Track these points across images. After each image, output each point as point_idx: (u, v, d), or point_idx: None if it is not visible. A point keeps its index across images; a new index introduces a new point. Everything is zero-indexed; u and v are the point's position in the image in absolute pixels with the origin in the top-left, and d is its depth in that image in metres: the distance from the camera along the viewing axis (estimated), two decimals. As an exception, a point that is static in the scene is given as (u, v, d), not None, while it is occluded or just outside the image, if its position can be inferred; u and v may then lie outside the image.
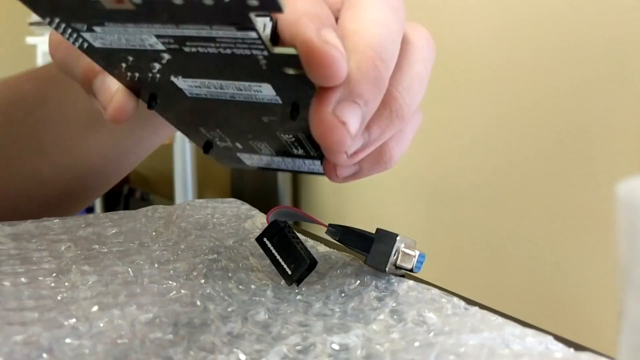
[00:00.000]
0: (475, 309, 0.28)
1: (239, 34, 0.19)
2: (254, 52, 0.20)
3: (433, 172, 1.09)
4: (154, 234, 0.39)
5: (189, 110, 0.26)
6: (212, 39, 0.20)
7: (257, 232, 0.34)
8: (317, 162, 0.29)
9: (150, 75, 0.23)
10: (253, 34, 0.19)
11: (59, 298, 0.29)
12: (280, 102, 0.24)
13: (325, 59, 0.20)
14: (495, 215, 0.97)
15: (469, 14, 0.98)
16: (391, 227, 0.32)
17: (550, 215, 0.89)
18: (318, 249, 0.37)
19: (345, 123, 0.22)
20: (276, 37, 0.21)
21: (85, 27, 0.20)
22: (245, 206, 0.46)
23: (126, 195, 1.72)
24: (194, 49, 0.20)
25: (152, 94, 0.25)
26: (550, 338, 0.26)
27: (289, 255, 0.30)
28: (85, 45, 0.22)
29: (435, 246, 1.07)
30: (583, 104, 0.84)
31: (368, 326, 0.27)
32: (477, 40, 0.97)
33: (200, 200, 0.47)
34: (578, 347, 0.25)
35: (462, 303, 0.29)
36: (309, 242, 0.38)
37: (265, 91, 0.23)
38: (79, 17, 0.20)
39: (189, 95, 0.24)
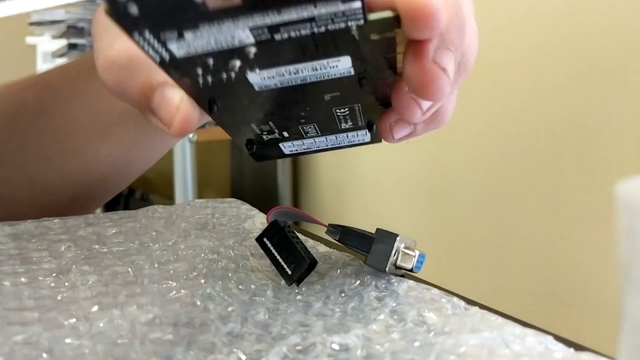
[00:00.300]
0: (475, 309, 0.28)
1: (342, 7, 0.19)
2: (350, 23, 0.20)
3: (433, 172, 1.09)
4: (154, 234, 0.39)
5: (248, 107, 0.25)
6: (310, 20, 0.19)
7: (257, 232, 0.34)
8: (362, 132, 0.30)
9: (225, 75, 0.22)
10: (357, 4, 0.19)
11: (59, 298, 0.29)
12: (352, 73, 0.23)
13: (430, 10, 0.21)
14: (495, 215, 0.97)
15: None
16: (391, 227, 0.32)
17: (550, 215, 0.89)
18: (318, 249, 0.37)
19: (446, 69, 0.23)
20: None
21: (175, 35, 0.19)
22: (245, 206, 0.46)
23: (126, 195, 1.72)
24: (285, 35, 0.20)
25: (212, 98, 0.24)
26: (550, 338, 0.26)
27: (289, 255, 0.30)
28: (168, 56, 0.20)
29: (435, 246, 1.07)
30: (583, 103, 0.84)
31: (368, 326, 0.27)
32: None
33: (200, 200, 0.47)
34: (578, 347, 0.25)
35: (462, 303, 0.29)
36: (309, 242, 0.38)
37: (342, 65, 0.23)
38: (172, 23, 0.19)
39: (257, 89, 0.24)
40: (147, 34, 0.19)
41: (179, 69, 0.21)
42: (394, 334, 0.26)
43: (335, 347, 0.25)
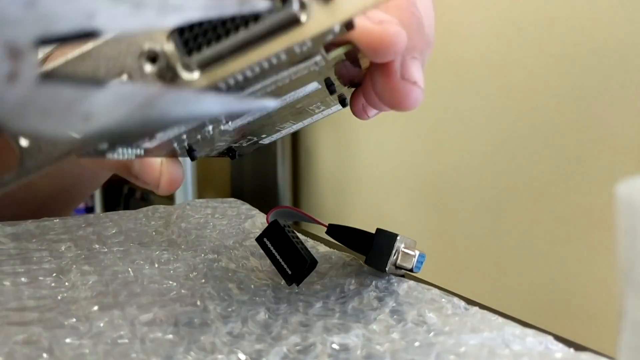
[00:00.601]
0: (475, 309, 0.28)
1: (315, 59, 0.20)
2: (314, 68, 0.21)
3: (433, 172, 1.09)
4: (154, 234, 0.39)
5: (225, 137, 0.26)
6: (287, 77, 0.20)
7: (257, 232, 0.34)
8: (335, 107, 0.30)
9: (199, 136, 0.23)
10: (323, 55, 0.20)
11: (59, 298, 0.29)
12: (321, 87, 0.24)
13: (389, 41, 0.21)
14: (496, 215, 0.97)
15: (469, 15, 0.98)
16: (391, 227, 0.32)
17: (550, 215, 0.89)
18: (318, 249, 0.37)
19: (416, 81, 0.22)
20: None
21: (147, 139, 0.20)
22: (245, 206, 0.46)
23: (126, 195, 1.72)
24: (260, 92, 0.20)
25: (190, 148, 0.24)
26: (550, 338, 0.26)
27: (289, 255, 0.30)
28: (142, 151, 0.21)
29: (435, 246, 1.07)
30: (583, 104, 0.84)
31: (368, 326, 0.27)
32: (477, 41, 0.97)
33: (200, 200, 0.47)
34: (578, 347, 0.25)
35: (462, 303, 0.29)
36: (309, 242, 0.38)
37: (310, 87, 0.24)
38: (140, 139, 0.19)
39: (232, 129, 0.24)
40: (121, 150, 0.19)
41: (154, 151, 0.22)
42: (394, 334, 0.26)
43: (335, 347, 0.25)
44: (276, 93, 0.21)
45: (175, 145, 0.23)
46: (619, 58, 0.80)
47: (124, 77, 0.17)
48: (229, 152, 0.30)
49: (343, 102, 0.29)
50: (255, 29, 0.17)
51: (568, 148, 0.87)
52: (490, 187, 0.98)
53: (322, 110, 0.30)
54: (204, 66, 0.17)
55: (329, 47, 0.21)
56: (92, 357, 0.23)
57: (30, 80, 0.12)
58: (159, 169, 0.26)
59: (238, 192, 1.45)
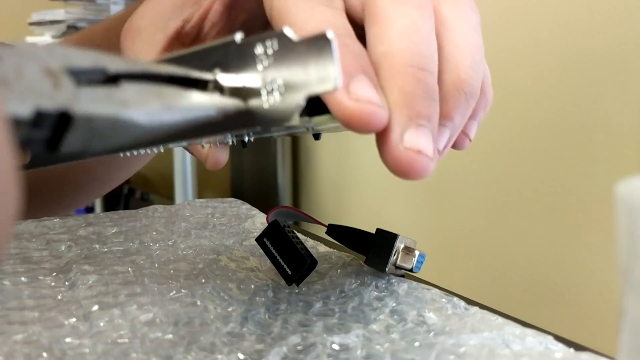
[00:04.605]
0: (475, 309, 0.28)
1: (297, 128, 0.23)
2: (302, 128, 0.24)
3: (433, 172, 1.09)
4: (154, 234, 0.39)
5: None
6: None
7: (257, 232, 0.34)
8: None
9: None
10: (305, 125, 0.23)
11: (59, 297, 0.29)
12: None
13: (361, 118, 0.20)
14: (496, 215, 0.97)
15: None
16: (391, 227, 0.32)
17: (550, 215, 0.89)
18: (318, 249, 0.37)
19: (421, 150, 0.21)
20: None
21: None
22: (245, 206, 0.46)
23: (126, 195, 1.72)
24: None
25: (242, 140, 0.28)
26: (550, 338, 0.26)
27: (289, 255, 0.30)
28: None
29: (435, 246, 1.07)
30: (583, 103, 0.84)
31: (368, 326, 0.27)
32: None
33: (200, 200, 0.47)
34: (578, 347, 0.25)
35: (462, 303, 0.29)
36: (309, 242, 0.38)
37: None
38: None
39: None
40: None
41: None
42: (394, 334, 0.26)
43: (335, 347, 0.25)
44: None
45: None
46: (619, 58, 0.80)
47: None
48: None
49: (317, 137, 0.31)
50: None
51: (568, 148, 0.87)
52: (490, 187, 0.98)
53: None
54: None
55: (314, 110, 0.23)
56: (92, 357, 0.23)
57: (72, 90, 0.14)
58: (205, 151, 0.29)
59: (238, 192, 1.45)
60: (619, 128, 0.80)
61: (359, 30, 0.23)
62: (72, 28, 1.42)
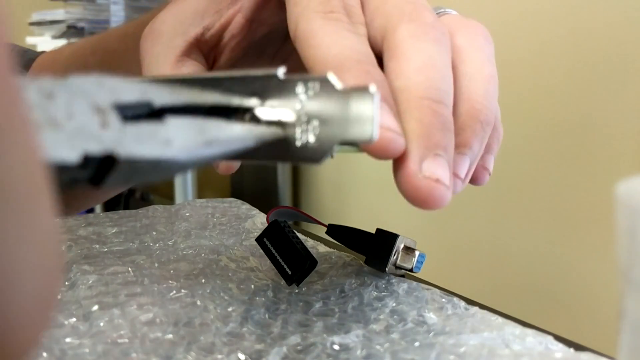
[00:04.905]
0: (475, 309, 0.28)
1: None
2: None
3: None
4: (154, 233, 0.39)
5: None
6: None
7: (257, 232, 0.34)
8: None
9: None
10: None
11: (59, 297, 0.29)
12: None
13: (381, 144, 0.20)
14: (495, 215, 0.97)
15: (469, 13, 0.98)
16: (391, 227, 0.32)
17: (550, 215, 0.89)
18: (318, 249, 0.37)
19: (439, 179, 0.22)
20: None
21: None
22: (245, 206, 0.46)
23: (126, 195, 1.72)
24: None
25: None
26: (550, 338, 0.26)
27: (289, 255, 0.30)
28: None
29: (435, 246, 1.07)
30: (583, 103, 0.84)
31: (368, 326, 0.27)
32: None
33: (200, 200, 0.47)
34: (578, 347, 0.25)
35: (462, 303, 0.29)
36: (309, 242, 0.38)
37: None
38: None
39: None
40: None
41: None
42: (394, 334, 0.26)
43: (335, 347, 0.25)
44: None
45: None
46: (619, 58, 0.80)
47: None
48: None
49: None
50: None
51: (568, 148, 0.87)
52: (490, 187, 0.98)
53: None
54: None
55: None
56: (92, 357, 0.23)
57: (118, 128, 0.14)
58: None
59: (238, 192, 1.45)
60: (619, 128, 0.80)
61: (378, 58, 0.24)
62: (72, 28, 1.42)
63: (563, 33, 0.86)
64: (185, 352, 0.24)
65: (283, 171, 1.45)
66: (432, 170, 0.22)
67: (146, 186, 1.75)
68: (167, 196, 1.52)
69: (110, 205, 1.66)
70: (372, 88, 0.18)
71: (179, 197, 1.36)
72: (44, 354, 0.23)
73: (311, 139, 0.18)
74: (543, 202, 0.90)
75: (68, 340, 0.25)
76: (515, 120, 0.93)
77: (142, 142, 0.15)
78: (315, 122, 0.18)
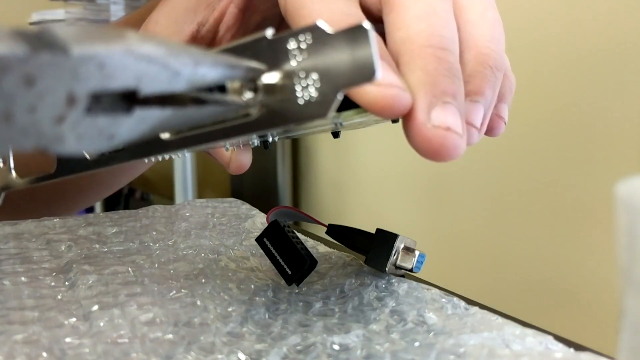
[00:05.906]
0: (475, 309, 0.28)
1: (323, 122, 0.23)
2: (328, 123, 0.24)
3: (433, 172, 1.09)
4: (154, 233, 0.39)
5: None
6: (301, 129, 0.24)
7: (257, 232, 0.34)
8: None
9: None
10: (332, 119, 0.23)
11: (59, 297, 0.29)
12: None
13: (385, 101, 0.20)
14: (495, 215, 0.97)
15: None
16: (391, 227, 0.32)
17: (550, 215, 0.89)
18: (318, 249, 0.37)
19: (450, 127, 0.20)
20: None
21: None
22: (245, 206, 0.46)
23: (126, 195, 1.72)
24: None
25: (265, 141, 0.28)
26: (550, 338, 0.26)
27: (289, 255, 0.30)
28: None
29: (435, 246, 1.07)
30: (583, 103, 0.84)
31: (368, 326, 0.27)
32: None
33: (200, 200, 0.47)
34: (578, 347, 0.25)
35: (462, 303, 0.29)
36: (309, 242, 0.38)
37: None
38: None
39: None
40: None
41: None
42: (394, 334, 0.26)
43: (335, 347, 0.25)
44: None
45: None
46: (619, 58, 0.80)
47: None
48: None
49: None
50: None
51: (568, 148, 0.87)
52: (490, 186, 0.98)
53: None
54: None
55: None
56: (92, 357, 0.23)
57: (72, 123, 0.14)
58: (229, 154, 0.29)
59: (238, 192, 1.45)
60: (619, 128, 0.80)
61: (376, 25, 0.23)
62: (72, 28, 1.42)
63: (563, 31, 0.86)
64: (185, 352, 0.24)
65: (283, 171, 1.45)
66: (442, 119, 0.20)
67: (145, 186, 1.75)
68: (167, 196, 1.52)
69: (110, 205, 1.66)
70: (366, 24, 0.17)
71: (179, 197, 1.36)
72: (44, 354, 0.23)
73: (313, 93, 0.17)
74: (543, 202, 0.90)
75: (68, 340, 0.25)
76: (515, 120, 0.92)
77: (85, 139, 0.14)
78: (314, 76, 0.17)
